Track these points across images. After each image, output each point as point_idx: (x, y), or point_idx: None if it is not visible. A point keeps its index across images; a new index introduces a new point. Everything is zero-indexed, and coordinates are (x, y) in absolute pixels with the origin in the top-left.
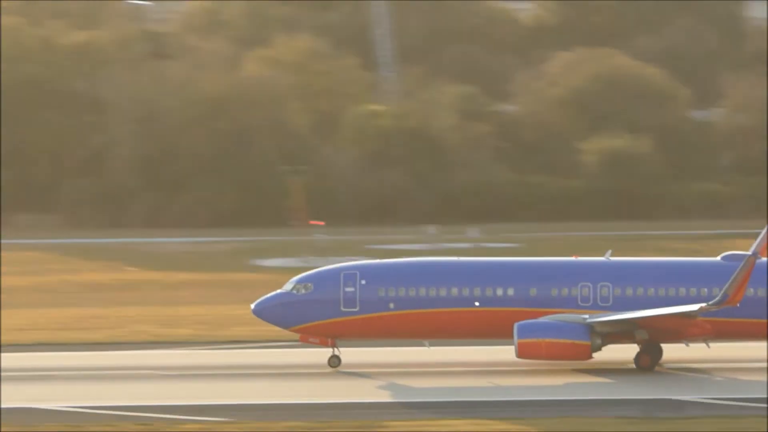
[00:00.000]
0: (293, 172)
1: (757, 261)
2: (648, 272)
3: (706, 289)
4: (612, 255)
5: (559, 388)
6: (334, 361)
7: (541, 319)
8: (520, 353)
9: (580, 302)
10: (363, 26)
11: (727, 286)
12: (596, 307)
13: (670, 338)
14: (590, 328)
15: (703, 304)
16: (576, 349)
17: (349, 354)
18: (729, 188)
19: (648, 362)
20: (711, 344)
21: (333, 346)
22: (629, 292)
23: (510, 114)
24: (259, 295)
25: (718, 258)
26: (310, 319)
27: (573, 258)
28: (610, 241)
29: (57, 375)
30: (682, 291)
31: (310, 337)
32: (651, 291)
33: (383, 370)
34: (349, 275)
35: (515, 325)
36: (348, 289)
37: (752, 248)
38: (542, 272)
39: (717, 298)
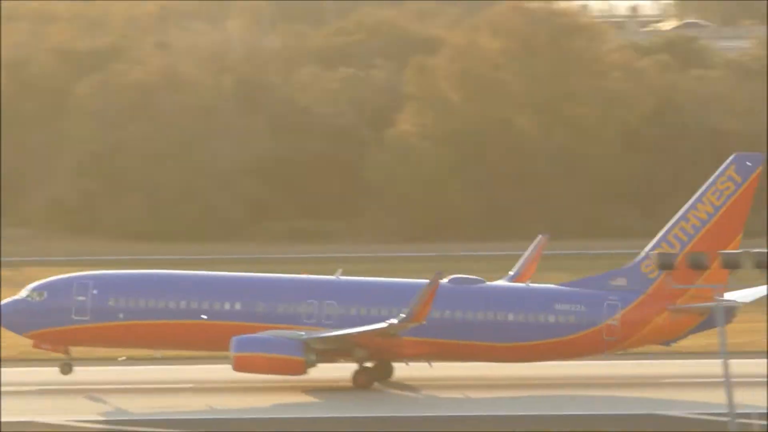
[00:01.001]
0: None
1: (481, 285)
2: (372, 292)
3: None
4: (342, 274)
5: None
6: (66, 368)
7: (258, 334)
8: (236, 367)
9: (304, 319)
10: None
11: (412, 304)
12: (321, 325)
13: (388, 357)
14: (305, 344)
15: (392, 321)
16: (290, 364)
17: None
18: None
19: (363, 381)
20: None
21: (65, 353)
22: (353, 311)
23: None
24: None
25: (446, 280)
26: (43, 325)
27: (302, 275)
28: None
29: None
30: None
31: (42, 343)
32: (374, 310)
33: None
34: (82, 284)
35: (232, 339)
36: (79, 298)
37: (514, 269)
38: (270, 288)
39: (403, 316)
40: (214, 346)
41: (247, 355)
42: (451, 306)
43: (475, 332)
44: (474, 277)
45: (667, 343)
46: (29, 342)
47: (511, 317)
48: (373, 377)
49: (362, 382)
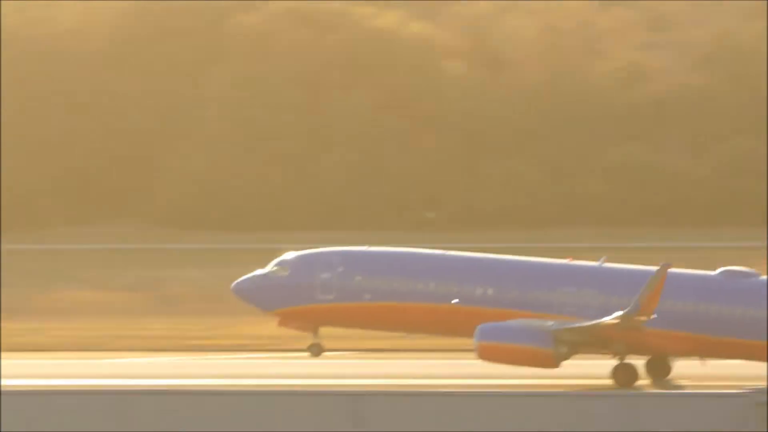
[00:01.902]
0: None
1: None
2: (638, 281)
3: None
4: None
5: None
6: (315, 350)
7: (505, 322)
8: (480, 356)
9: (561, 308)
10: None
11: (639, 296)
12: (579, 315)
13: (649, 351)
14: (554, 335)
15: (620, 313)
16: (538, 356)
17: None
18: None
19: (622, 378)
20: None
21: (314, 333)
22: (614, 300)
23: None
24: None
25: (716, 272)
26: (287, 303)
27: (561, 260)
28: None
29: None
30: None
31: (289, 322)
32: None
33: None
34: (327, 261)
35: (477, 327)
36: (324, 275)
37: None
38: (524, 272)
39: (629, 308)
40: (463, 333)
41: (492, 345)
42: (719, 300)
43: (744, 329)
44: (747, 269)
45: None
46: None
47: None
48: (635, 374)
49: (621, 379)
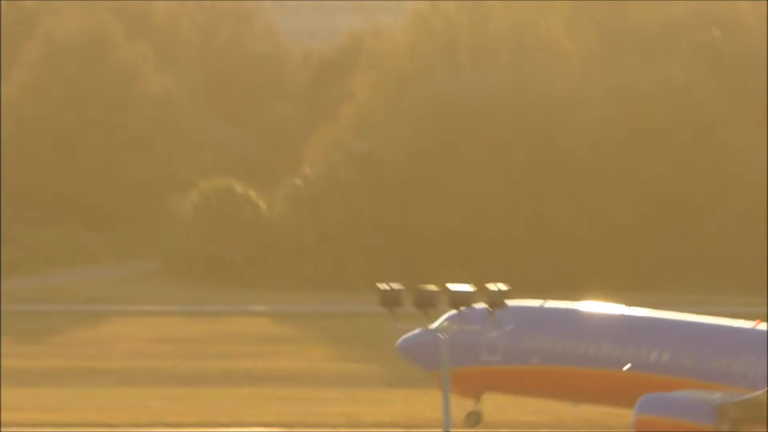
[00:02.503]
0: None
1: None
2: None
3: None
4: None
5: None
6: (471, 419)
7: (669, 393)
8: (636, 429)
9: (740, 378)
10: None
11: None
12: (756, 386)
13: None
14: (719, 410)
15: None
16: None
17: None
18: None
19: None
20: None
21: (476, 399)
22: None
23: None
24: None
25: None
26: (450, 364)
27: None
28: None
29: None
30: None
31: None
32: None
33: None
34: (498, 317)
35: (639, 399)
36: (492, 334)
37: None
38: (704, 336)
39: None
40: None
41: (649, 418)
42: None
43: None
44: None
45: None
46: None
47: None
48: None
49: None
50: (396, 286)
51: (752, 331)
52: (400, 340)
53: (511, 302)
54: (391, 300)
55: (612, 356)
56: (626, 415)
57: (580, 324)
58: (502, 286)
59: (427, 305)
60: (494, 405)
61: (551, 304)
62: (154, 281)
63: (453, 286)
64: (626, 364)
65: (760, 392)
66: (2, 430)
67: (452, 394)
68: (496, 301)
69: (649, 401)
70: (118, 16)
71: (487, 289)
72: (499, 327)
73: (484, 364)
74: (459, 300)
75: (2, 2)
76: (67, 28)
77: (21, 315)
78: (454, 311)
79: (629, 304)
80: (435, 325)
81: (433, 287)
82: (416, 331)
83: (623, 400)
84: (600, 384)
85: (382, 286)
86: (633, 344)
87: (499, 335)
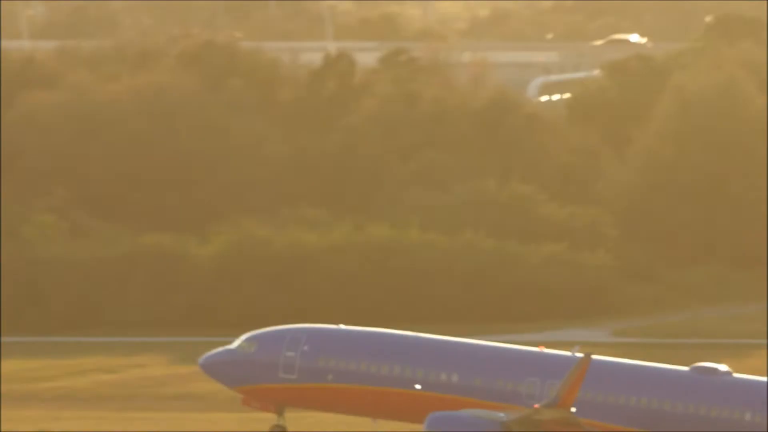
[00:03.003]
0: None
1: None
2: (606, 375)
3: None
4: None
5: None
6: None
7: (456, 412)
8: None
9: (525, 399)
10: None
11: (560, 388)
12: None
13: None
14: (504, 428)
15: (537, 405)
16: None
17: None
18: None
19: None
20: None
21: (278, 414)
22: (579, 394)
23: None
24: None
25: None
26: (251, 381)
27: (533, 348)
28: None
29: None
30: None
31: (251, 401)
32: (603, 396)
33: None
34: (294, 338)
35: (427, 417)
36: (289, 354)
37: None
38: (491, 359)
39: (548, 400)
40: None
41: None
42: (686, 398)
43: (707, 429)
44: (721, 367)
45: None
46: None
47: (747, 417)
48: None
49: None
50: None
51: (537, 354)
52: (202, 358)
53: (305, 325)
54: None
55: (403, 377)
56: None
57: (374, 346)
58: None
59: None
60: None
61: (345, 327)
62: None
63: None
64: (417, 384)
65: (532, 409)
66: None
67: (254, 409)
68: None
69: (437, 419)
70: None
71: None
72: (295, 347)
73: (282, 381)
74: None
75: None
76: (697, 82)
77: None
78: (252, 333)
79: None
80: (235, 344)
81: None
82: (219, 349)
83: (416, 417)
84: (392, 402)
85: None
86: (423, 366)
87: (295, 355)
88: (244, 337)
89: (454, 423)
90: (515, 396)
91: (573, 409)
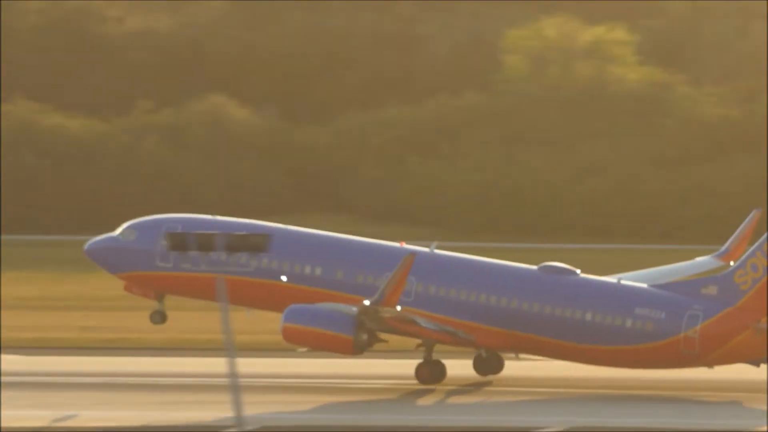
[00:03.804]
0: None
1: None
2: (459, 271)
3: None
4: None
5: None
6: (156, 317)
7: (313, 305)
8: (284, 338)
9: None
10: None
11: (383, 287)
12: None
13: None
14: (357, 321)
15: (366, 302)
16: (337, 342)
17: None
18: None
19: (423, 374)
20: None
21: (158, 300)
22: (432, 290)
23: None
24: None
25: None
26: (131, 268)
27: (394, 244)
28: None
29: None
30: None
31: (132, 287)
32: (455, 292)
33: None
34: (170, 227)
35: (285, 310)
36: (164, 243)
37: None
38: (355, 254)
39: (373, 298)
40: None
41: (294, 327)
42: (531, 296)
43: (550, 328)
44: (567, 267)
45: (755, 363)
46: None
47: (588, 317)
48: (437, 372)
49: (424, 376)
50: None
51: (397, 249)
52: (86, 244)
53: (182, 215)
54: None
55: (270, 268)
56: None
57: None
58: None
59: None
60: None
61: (219, 218)
62: None
63: None
64: (283, 276)
65: (362, 305)
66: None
67: (135, 294)
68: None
69: (294, 312)
70: None
71: None
72: None
73: (159, 269)
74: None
75: None
76: None
77: None
78: (133, 221)
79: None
80: (117, 232)
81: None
82: (102, 236)
83: (282, 308)
84: (259, 293)
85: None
86: (289, 258)
87: None
88: (125, 225)
89: (311, 316)
90: (375, 290)
91: (398, 308)
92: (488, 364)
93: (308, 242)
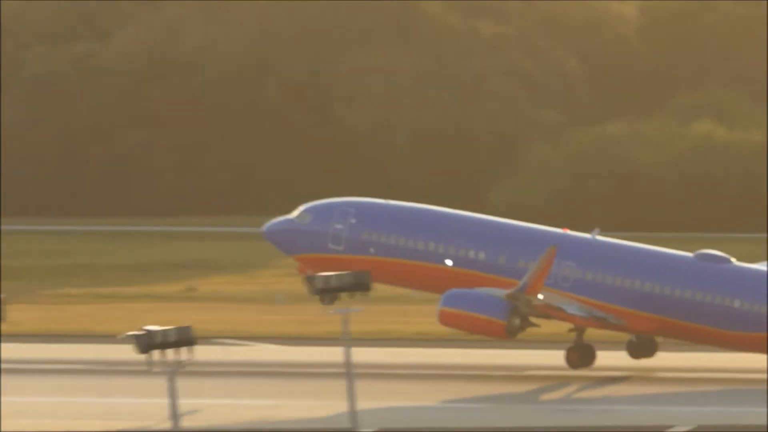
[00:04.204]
0: None
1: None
2: (617, 258)
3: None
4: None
5: None
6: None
7: (472, 290)
8: (440, 321)
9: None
10: None
11: (528, 276)
12: (557, 287)
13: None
14: (513, 307)
15: (509, 291)
16: (490, 326)
17: None
18: None
19: (573, 358)
20: None
21: None
22: (589, 276)
23: None
24: None
25: (692, 255)
26: (305, 250)
27: (558, 230)
28: None
29: None
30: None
31: (306, 268)
32: (611, 279)
33: None
34: (343, 212)
35: (444, 294)
36: (338, 226)
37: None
38: (517, 239)
39: (518, 286)
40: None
41: (451, 311)
42: (686, 283)
43: (702, 314)
44: (722, 255)
45: None
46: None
47: (737, 304)
48: (586, 356)
49: (573, 360)
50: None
51: (558, 235)
52: (265, 225)
53: (356, 198)
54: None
55: (437, 252)
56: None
57: (415, 221)
58: None
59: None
60: None
61: (391, 203)
62: None
63: None
64: (448, 260)
65: (501, 293)
66: (2, 430)
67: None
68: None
69: (452, 296)
70: None
71: None
72: (344, 220)
73: (330, 252)
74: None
75: None
76: None
77: None
78: (309, 204)
79: None
80: (293, 214)
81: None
82: (280, 218)
83: (445, 290)
84: (427, 276)
85: None
86: (455, 243)
87: (343, 227)
88: (301, 207)
89: (467, 300)
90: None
91: (540, 296)
92: (641, 349)
93: (474, 226)
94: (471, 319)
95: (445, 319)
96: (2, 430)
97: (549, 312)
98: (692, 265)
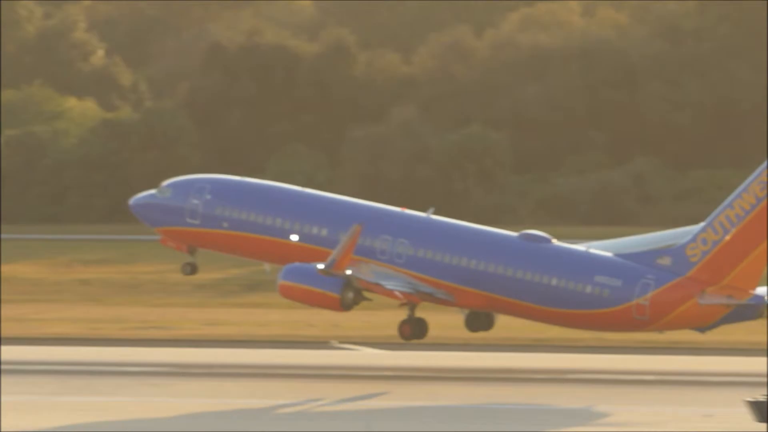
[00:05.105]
0: None
1: None
2: (453, 237)
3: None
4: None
5: None
6: (186, 269)
7: (309, 264)
8: (280, 293)
9: (378, 254)
10: None
11: (334, 253)
12: (392, 263)
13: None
14: (347, 281)
15: (320, 265)
16: (325, 299)
17: None
18: None
19: (405, 331)
20: None
21: (190, 253)
22: (421, 253)
23: None
24: None
25: (516, 234)
26: (166, 223)
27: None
28: None
29: None
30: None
31: (168, 240)
32: (440, 256)
33: None
34: (200, 188)
35: (283, 268)
36: (194, 201)
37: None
38: (353, 216)
39: (327, 261)
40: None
41: (289, 285)
42: (504, 261)
43: (523, 291)
44: (543, 234)
45: (701, 330)
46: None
47: (554, 282)
48: (418, 329)
49: (405, 333)
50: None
51: (397, 213)
52: (132, 199)
53: (212, 176)
54: None
55: (283, 228)
56: None
57: (262, 199)
58: None
59: None
60: None
61: (246, 180)
62: None
63: None
64: (294, 235)
65: (323, 267)
66: (2, 429)
67: (169, 247)
68: None
69: (291, 270)
70: None
71: None
72: (200, 196)
73: (188, 225)
74: None
75: None
76: None
77: None
78: (171, 180)
79: None
80: (156, 189)
81: None
82: (145, 193)
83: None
84: (275, 250)
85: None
86: (300, 219)
87: (198, 203)
88: (164, 183)
89: (304, 274)
90: (370, 251)
91: (348, 272)
92: (478, 322)
93: (319, 205)
94: (308, 292)
95: (284, 291)
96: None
97: (368, 287)
98: (515, 244)
